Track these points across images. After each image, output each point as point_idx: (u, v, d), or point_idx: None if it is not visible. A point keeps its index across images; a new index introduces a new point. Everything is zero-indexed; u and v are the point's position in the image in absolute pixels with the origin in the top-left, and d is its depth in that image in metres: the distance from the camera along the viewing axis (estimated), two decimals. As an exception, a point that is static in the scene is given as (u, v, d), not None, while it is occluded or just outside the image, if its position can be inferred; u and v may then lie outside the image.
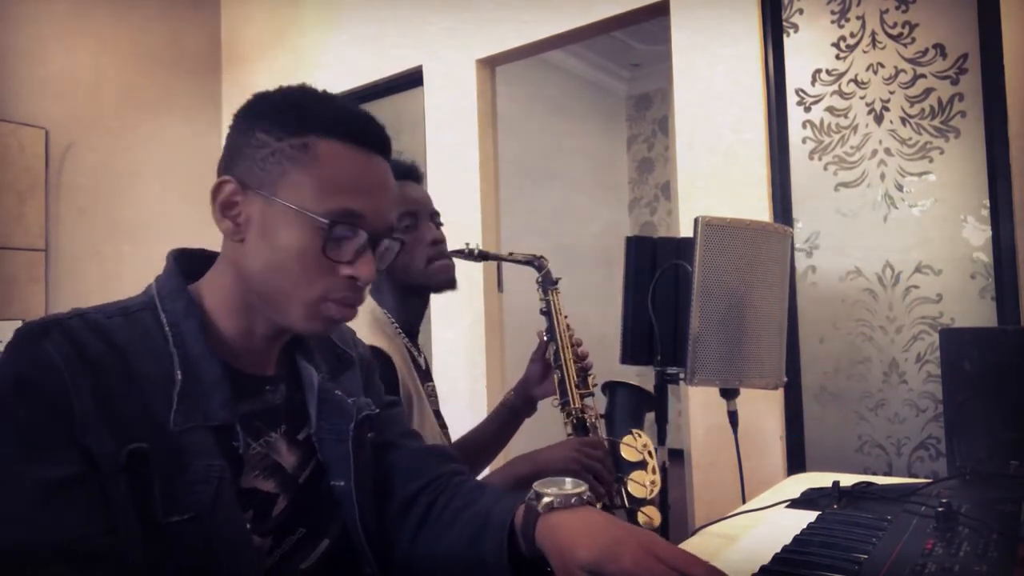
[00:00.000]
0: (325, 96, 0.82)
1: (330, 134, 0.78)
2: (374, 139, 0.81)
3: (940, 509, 0.90)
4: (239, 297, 0.81)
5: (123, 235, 3.33)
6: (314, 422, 0.88)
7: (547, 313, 1.48)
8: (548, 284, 1.50)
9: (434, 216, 1.44)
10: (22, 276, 3.05)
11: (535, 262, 1.50)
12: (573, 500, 0.73)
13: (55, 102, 3.23)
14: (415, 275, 1.39)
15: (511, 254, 1.51)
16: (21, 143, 3.10)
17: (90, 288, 3.23)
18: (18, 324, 0.72)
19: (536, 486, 0.74)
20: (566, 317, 1.49)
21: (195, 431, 0.74)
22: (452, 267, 1.43)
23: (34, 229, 3.12)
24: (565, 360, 1.44)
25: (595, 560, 0.66)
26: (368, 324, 1.33)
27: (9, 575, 0.63)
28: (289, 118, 0.78)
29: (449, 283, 1.43)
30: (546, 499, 0.73)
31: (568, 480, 0.74)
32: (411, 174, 1.44)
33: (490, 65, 3.04)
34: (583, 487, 0.73)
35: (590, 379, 1.47)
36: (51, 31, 3.24)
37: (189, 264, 0.85)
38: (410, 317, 1.44)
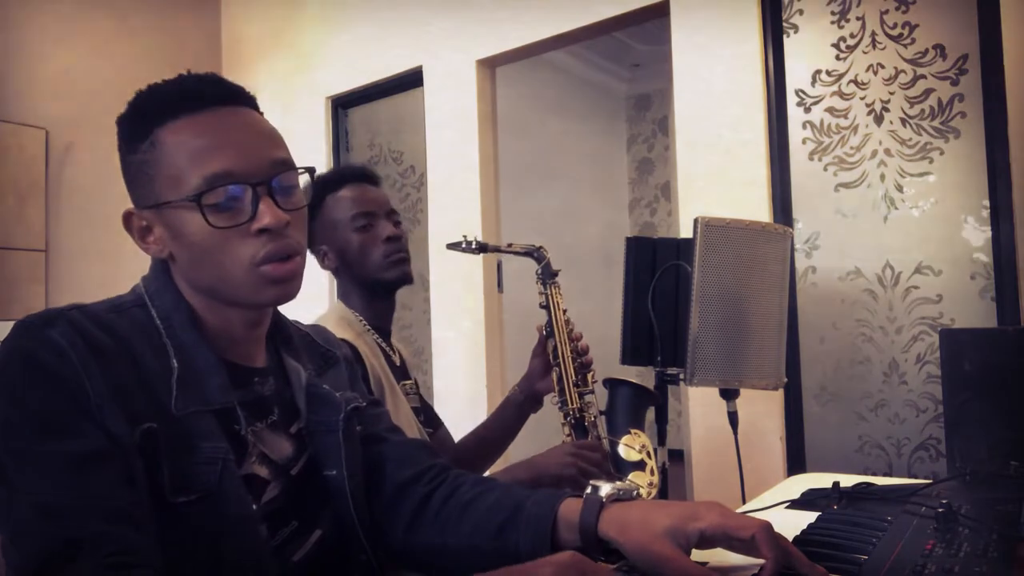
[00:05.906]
0: (158, 86, 0.82)
1: (166, 118, 0.78)
2: (210, 95, 0.81)
3: (940, 510, 0.90)
4: (203, 297, 0.83)
5: (123, 235, 3.31)
6: (304, 415, 0.89)
7: (546, 307, 1.49)
8: (547, 276, 1.51)
9: (391, 215, 1.49)
10: (22, 276, 3.04)
11: (535, 253, 1.52)
12: (635, 494, 0.78)
13: (55, 102, 3.22)
14: (372, 271, 1.44)
15: (510, 245, 1.52)
16: (21, 143, 3.10)
17: (90, 288, 3.22)
18: (19, 325, 0.72)
19: (593, 483, 0.79)
20: (565, 311, 1.50)
21: (198, 415, 0.76)
22: (407, 261, 1.48)
23: (34, 229, 3.12)
24: (563, 356, 1.44)
25: (674, 523, 0.70)
26: (335, 321, 1.37)
27: (60, 537, 0.64)
28: (133, 128, 0.80)
29: (403, 277, 1.47)
30: (607, 490, 0.77)
31: (618, 481, 0.82)
32: (365, 177, 1.50)
33: (490, 65, 3.04)
34: (637, 486, 0.80)
35: (590, 376, 1.47)
36: (51, 31, 3.24)
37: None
38: (379, 317, 1.48)
